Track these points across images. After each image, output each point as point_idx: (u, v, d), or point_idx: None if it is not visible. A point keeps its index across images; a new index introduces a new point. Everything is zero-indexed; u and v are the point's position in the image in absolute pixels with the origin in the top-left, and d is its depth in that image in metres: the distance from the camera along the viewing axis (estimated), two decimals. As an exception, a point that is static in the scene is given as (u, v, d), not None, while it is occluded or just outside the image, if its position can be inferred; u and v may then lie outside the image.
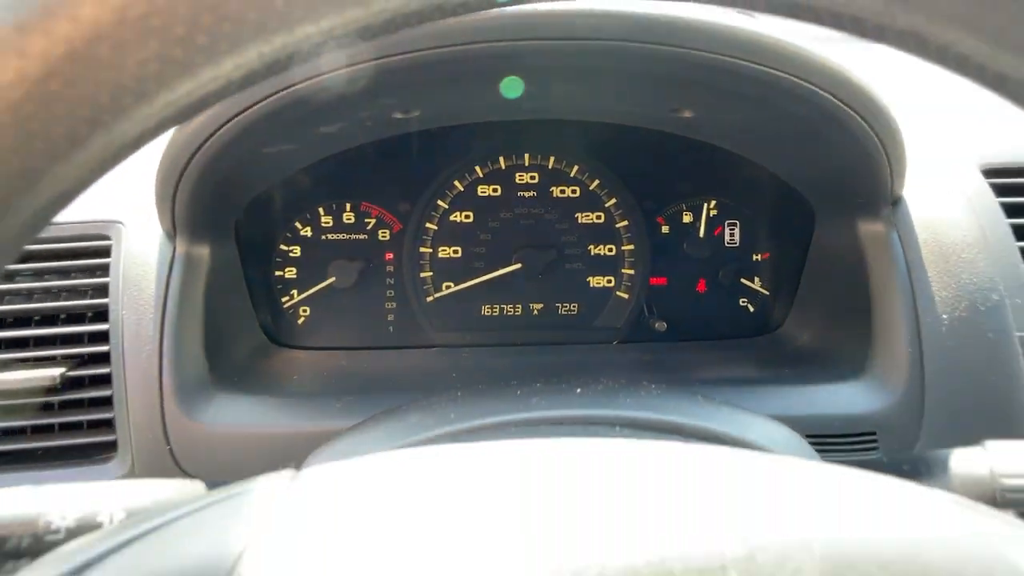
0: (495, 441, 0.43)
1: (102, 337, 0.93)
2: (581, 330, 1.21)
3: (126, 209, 0.98)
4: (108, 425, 0.91)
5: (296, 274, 1.18)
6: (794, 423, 0.68)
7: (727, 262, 1.21)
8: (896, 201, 0.95)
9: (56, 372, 0.91)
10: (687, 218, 1.21)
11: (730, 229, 1.21)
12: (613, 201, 1.19)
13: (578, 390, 0.68)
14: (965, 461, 0.59)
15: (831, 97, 0.78)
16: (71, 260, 0.96)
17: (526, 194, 1.19)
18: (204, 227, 0.97)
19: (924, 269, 0.92)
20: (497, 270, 1.18)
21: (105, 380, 0.92)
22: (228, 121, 0.78)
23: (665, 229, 1.21)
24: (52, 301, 0.94)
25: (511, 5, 0.33)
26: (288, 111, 0.78)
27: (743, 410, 0.68)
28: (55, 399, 0.91)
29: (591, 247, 1.20)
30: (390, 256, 1.19)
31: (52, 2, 0.23)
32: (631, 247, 1.20)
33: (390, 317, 1.19)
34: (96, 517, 0.52)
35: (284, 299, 1.18)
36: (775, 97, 0.82)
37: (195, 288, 0.96)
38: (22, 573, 0.39)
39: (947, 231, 0.94)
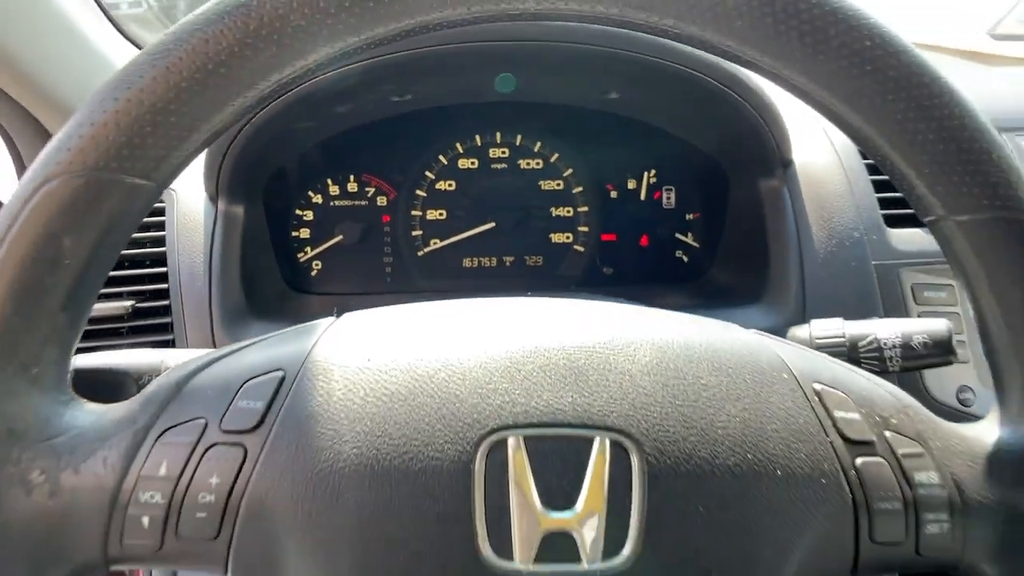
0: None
1: (162, 278, 1.16)
2: (545, 278, 1.45)
3: (177, 180, 1.21)
4: (169, 346, 1.15)
5: (309, 234, 1.42)
6: None
7: (665, 221, 1.46)
8: (787, 164, 1.21)
9: (127, 303, 1.15)
10: (631, 185, 1.46)
11: (667, 193, 1.46)
12: (570, 171, 1.44)
13: None
14: (797, 329, 0.86)
15: (712, 80, 1.05)
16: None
17: (498, 166, 1.43)
18: (240, 193, 1.19)
19: (806, 216, 1.18)
20: (475, 228, 1.43)
21: (165, 311, 1.15)
22: (271, 103, 1.02)
23: (614, 194, 1.45)
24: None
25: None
26: (317, 94, 1.02)
27: None
28: (125, 326, 1.15)
29: (552, 209, 1.44)
30: (387, 218, 1.43)
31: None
32: (585, 209, 1.44)
33: (388, 269, 1.44)
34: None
35: (300, 255, 1.42)
36: (670, 81, 1.07)
37: (233, 240, 1.18)
38: (156, 380, 0.54)
39: (824, 186, 1.19)
